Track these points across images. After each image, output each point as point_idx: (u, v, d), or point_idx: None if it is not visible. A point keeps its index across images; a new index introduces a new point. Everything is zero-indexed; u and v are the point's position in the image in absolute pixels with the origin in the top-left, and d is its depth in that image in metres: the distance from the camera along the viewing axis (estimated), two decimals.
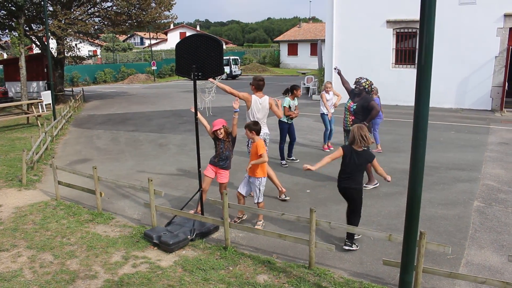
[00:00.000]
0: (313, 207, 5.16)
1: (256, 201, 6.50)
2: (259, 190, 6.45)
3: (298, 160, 10.40)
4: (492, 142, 11.95)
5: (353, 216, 5.70)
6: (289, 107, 9.95)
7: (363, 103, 8.08)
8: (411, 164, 3.93)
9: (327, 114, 11.45)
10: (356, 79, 8.32)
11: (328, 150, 11.28)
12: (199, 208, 6.82)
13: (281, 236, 5.56)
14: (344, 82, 8.97)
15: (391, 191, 8.07)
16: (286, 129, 10.03)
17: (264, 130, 7.61)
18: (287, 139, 10.29)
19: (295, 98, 10.17)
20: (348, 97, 8.51)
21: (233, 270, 5.29)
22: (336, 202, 7.50)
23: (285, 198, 7.74)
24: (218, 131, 6.73)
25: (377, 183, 8.28)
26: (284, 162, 10.09)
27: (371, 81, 8.22)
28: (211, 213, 7.03)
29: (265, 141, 7.53)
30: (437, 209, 7.13)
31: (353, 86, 8.38)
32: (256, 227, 6.36)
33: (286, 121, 9.93)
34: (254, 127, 6.48)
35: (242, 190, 6.60)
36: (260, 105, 7.72)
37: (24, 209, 7.67)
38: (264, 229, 5.89)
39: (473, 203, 7.35)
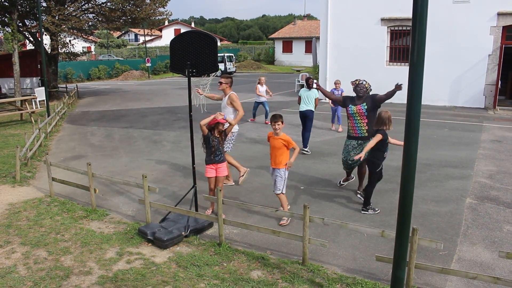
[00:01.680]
0: (307, 203, 5.20)
1: (278, 192, 6.57)
2: (285, 180, 6.59)
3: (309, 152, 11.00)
4: (485, 140, 12.04)
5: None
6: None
7: (373, 101, 7.56)
8: (403, 161, 3.96)
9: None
10: (356, 82, 7.67)
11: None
12: (213, 207, 6.96)
13: (275, 232, 5.60)
14: (328, 95, 8.36)
15: (385, 188, 8.12)
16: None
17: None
18: None
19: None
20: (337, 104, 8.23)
21: (227, 266, 5.32)
22: (330, 199, 7.55)
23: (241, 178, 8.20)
24: (220, 125, 6.72)
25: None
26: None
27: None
28: (205, 210, 7.05)
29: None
30: (430, 206, 7.19)
31: (339, 91, 8.41)
32: (281, 222, 6.52)
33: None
34: (282, 119, 6.54)
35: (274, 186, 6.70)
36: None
37: (18, 205, 7.66)
38: (257, 226, 5.91)
39: (466, 200, 7.41)
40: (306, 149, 10.93)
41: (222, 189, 6.55)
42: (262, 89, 15.37)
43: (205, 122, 6.67)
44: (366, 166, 7.28)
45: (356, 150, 7.48)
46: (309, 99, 10.87)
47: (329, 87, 21.09)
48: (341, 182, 8.34)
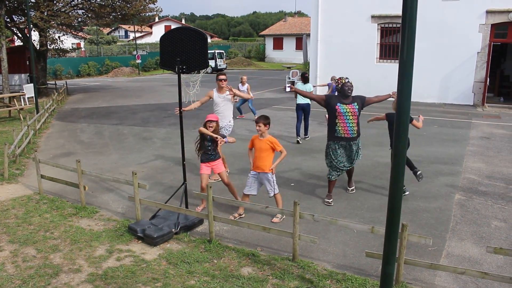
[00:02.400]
0: (297, 200, 5.21)
1: (273, 194, 6.50)
2: (274, 181, 6.50)
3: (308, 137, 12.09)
4: (473, 137, 12.14)
5: None
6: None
7: (362, 102, 7.26)
8: (393, 158, 3.99)
9: None
10: (341, 81, 7.16)
11: None
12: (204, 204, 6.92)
13: (265, 229, 5.60)
14: (307, 95, 8.05)
15: (375, 184, 8.17)
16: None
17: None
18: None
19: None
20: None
21: (217, 263, 5.32)
22: (320, 196, 7.57)
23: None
24: (208, 124, 6.64)
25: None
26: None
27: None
28: (195, 207, 7.03)
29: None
30: (419, 202, 7.23)
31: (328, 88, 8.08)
32: (274, 220, 6.50)
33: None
34: (267, 121, 6.42)
35: (253, 191, 6.56)
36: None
37: (6, 203, 7.59)
38: (248, 222, 5.91)
39: (455, 196, 7.48)
40: (307, 136, 12.20)
41: (230, 184, 6.83)
42: (242, 88, 14.55)
43: (205, 131, 6.70)
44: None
45: (347, 151, 7.09)
46: None
47: (319, 84, 21.15)
48: (329, 201, 7.33)
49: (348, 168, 7.30)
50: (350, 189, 7.80)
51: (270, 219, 6.56)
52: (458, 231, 6.12)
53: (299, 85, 12.21)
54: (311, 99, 7.98)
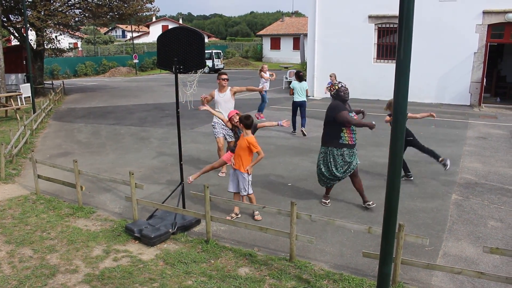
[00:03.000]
0: (294, 200, 5.21)
1: (246, 193, 6.50)
2: (248, 181, 6.49)
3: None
4: (470, 137, 12.17)
5: None
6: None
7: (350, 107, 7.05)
8: (390, 158, 3.99)
9: None
10: (335, 87, 6.90)
11: None
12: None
13: (262, 229, 5.60)
14: (355, 122, 6.91)
15: (372, 184, 8.17)
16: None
17: None
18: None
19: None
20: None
21: (214, 263, 5.32)
22: (317, 196, 7.57)
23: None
24: (233, 118, 6.78)
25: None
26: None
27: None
28: (193, 207, 7.03)
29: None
30: (416, 202, 7.25)
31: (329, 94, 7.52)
32: (256, 217, 6.58)
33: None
34: (246, 121, 6.40)
35: (233, 188, 6.63)
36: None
37: (2, 203, 7.57)
38: (245, 222, 5.91)
39: (451, 196, 7.49)
40: (303, 127, 12.62)
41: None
42: (266, 75, 15.20)
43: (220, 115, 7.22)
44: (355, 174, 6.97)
45: (350, 158, 6.85)
46: (302, 91, 12.54)
47: (316, 84, 21.17)
48: (326, 202, 7.30)
49: (343, 177, 7.00)
50: (366, 204, 7.07)
51: (253, 217, 6.66)
52: (454, 231, 6.14)
53: (295, 84, 12.65)
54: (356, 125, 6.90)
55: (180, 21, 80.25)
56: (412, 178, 8.39)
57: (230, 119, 6.88)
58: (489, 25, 17.69)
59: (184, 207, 6.66)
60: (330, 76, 14.41)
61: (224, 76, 8.79)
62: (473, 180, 8.37)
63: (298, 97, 12.55)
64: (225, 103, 8.70)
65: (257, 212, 6.66)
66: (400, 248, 4.58)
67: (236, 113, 6.83)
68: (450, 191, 7.75)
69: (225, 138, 8.88)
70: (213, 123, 8.99)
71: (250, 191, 6.53)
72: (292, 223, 5.17)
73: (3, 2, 22.38)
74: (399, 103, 3.89)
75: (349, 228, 5.64)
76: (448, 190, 7.80)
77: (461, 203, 7.20)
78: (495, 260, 5.33)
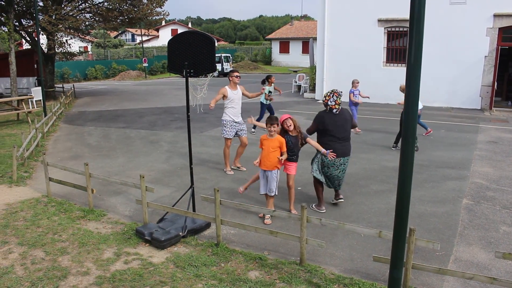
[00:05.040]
0: (304, 204, 5.21)
1: (274, 194, 6.63)
2: (276, 182, 6.61)
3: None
4: (481, 141, 12.09)
5: None
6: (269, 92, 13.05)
7: None
8: (400, 162, 3.98)
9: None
10: (336, 93, 6.88)
11: None
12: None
13: (273, 233, 5.60)
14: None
15: (381, 188, 8.15)
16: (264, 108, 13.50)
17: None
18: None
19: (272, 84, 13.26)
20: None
21: (224, 266, 5.33)
22: (327, 200, 7.56)
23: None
24: (286, 122, 6.70)
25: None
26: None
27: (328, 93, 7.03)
28: (203, 210, 7.05)
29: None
30: (427, 206, 7.21)
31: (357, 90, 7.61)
32: (266, 221, 6.60)
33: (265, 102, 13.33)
34: (278, 121, 6.54)
35: (264, 189, 6.72)
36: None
37: (15, 205, 7.64)
38: (255, 226, 5.91)
39: (462, 201, 7.45)
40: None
41: (292, 187, 6.95)
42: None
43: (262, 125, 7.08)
44: None
45: (344, 166, 6.97)
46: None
47: (326, 88, 21.14)
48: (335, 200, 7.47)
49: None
50: (336, 200, 7.36)
51: (263, 221, 6.68)
52: (466, 236, 6.10)
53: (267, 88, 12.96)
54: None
55: (189, 25, 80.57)
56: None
57: (283, 123, 6.71)
58: (500, 29, 17.58)
59: (194, 210, 6.69)
60: (354, 82, 13.55)
61: (236, 74, 9.14)
62: (484, 184, 8.31)
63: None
64: (239, 100, 9.19)
65: (268, 216, 6.67)
66: (411, 252, 4.56)
67: (289, 118, 6.72)
68: (461, 196, 7.70)
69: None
70: (224, 122, 9.15)
71: (276, 192, 6.66)
72: (303, 227, 5.17)
73: (15, 6, 22.63)
74: (409, 108, 3.89)
75: (359, 232, 5.62)
76: (458, 195, 7.75)
77: (472, 207, 7.15)
78: (507, 265, 5.29)
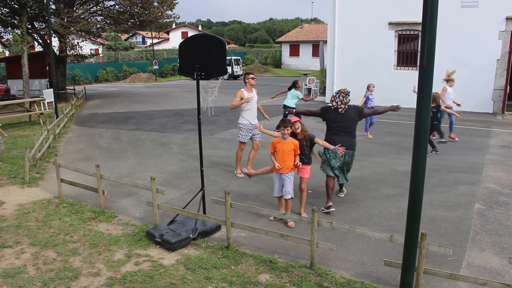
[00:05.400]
0: (315, 207, 5.20)
1: (291, 197, 6.64)
2: (292, 184, 6.63)
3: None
4: (493, 145, 11.98)
5: None
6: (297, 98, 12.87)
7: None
8: (412, 166, 3.96)
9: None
10: (343, 94, 7.20)
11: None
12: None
13: (283, 236, 5.60)
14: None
15: (392, 192, 8.11)
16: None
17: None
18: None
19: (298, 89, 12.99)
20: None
21: (235, 269, 5.33)
22: (337, 203, 7.54)
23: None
24: (295, 124, 6.72)
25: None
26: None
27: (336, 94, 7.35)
28: (213, 212, 7.06)
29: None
30: (438, 211, 7.16)
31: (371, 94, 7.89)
32: (289, 224, 6.60)
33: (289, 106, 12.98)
34: (291, 124, 6.55)
35: (278, 192, 6.72)
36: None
37: (27, 206, 7.71)
38: (265, 229, 5.91)
39: (474, 206, 7.38)
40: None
41: (304, 190, 6.99)
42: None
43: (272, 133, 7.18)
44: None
45: (344, 158, 7.18)
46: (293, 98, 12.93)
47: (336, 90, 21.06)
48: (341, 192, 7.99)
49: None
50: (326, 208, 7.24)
51: (287, 224, 6.64)
52: (478, 241, 6.04)
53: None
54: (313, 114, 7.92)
55: (200, 28, 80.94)
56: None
57: (295, 126, 6.74)
58: None
59: (204, 212, 6.70)
60: (370, 87, 13.34)
61: (252, 76, 9.13)
62: (497, 189, 8.23)
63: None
64: (255, 102, 9.14)
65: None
66: (422, 257, 4.53)
67: (298, 121, 6.77)
68: (473, 200, 7.63)
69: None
70: (241, 125, 9.12)
71: (292, 195, 6.67)
72: (313, 230, 5.16)
73: (28, 9, 22.88)
74: (421, 112, 3.87)
75: (370, 236, 5.60)
76: (470, 199, 7.69)
77: (484, 212, 7.08)
78: None
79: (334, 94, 7.24)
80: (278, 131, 6.89)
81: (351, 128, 7.14)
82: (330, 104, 7.26)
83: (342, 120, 7.11)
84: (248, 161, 9.32)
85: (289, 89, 13.00)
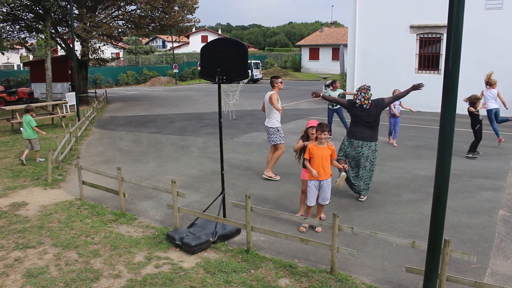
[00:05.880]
0: (336, 212, 5.15)
1: (328, 202, 6.62)
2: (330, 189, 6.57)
3: None
4: None
5: None
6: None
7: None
8: (436, 171, 3.90)
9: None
10: (364, 91, 7.60)
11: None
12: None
13: (303, 241, 5.56)
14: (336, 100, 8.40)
15: (414, 198, 8.00)
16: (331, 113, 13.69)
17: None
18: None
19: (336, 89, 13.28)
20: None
21: (254, 273, 5.31)
22: (358, 208, 7.47)
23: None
24: (310, 131, 6.74)
25: None
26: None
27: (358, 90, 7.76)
28: (233, 216, 7.06)
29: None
30: (461, 217, 7.03)
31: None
32: (317, 229, 6.54)
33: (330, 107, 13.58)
34: (328, 129, 6.46)
35: (314, 201, 6.58)
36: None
37: (49, 207, 7.83)
38: (285, 233, 5.87)
39: (498, 212, 7.23)
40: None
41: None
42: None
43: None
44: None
45: (362, 149, 7.66)
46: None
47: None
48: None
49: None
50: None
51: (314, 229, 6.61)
52: (503, 249, 5.91)
53: (330, 91, 13.25)
54: (337, 102, 8.42)
55: (219, 32, 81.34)
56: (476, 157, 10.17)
57: (308, 129, 6.78)
58: None
59: (224, 216, 6.70)
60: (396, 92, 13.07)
61: (281, 80, 9.21)
62: None
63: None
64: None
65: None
66: (445, 264, 4.44)
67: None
68: (497, 207, 7.48)
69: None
70: (278, 129, 9.19)
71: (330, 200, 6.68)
72: (334, 235, 5.11)
73: (52, 15, 23.31)
74: (447, 116, 3.81)
75: (391, 241, 5.53)
76: (494, 206, 7.53)
77: (509, 219, 6.93)
78: None
79: (356, 92, 7.65)
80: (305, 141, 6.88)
81: (372, 122, 7.57)
82: (354, 99, 7.62)
83: (365, 115, 7.55)
84: (272, 162, 9.31)
85: (327, 86, 13.52)
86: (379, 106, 7.60)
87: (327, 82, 13.25)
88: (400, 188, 8.56)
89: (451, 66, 3.71)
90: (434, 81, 18.40)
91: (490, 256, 5.69)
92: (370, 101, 7.52)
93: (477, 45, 17.64)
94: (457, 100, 3.84)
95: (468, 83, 17.64)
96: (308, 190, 6.55)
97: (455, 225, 6.71)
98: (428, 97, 18.58)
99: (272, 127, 9.12)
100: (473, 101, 10.87)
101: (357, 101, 7.52)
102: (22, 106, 15.20)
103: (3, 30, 23.49)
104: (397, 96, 8.35)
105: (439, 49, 19.42)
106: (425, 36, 19.67)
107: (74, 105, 19.78)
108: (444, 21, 3.74)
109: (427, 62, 19.89)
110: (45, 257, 5.82)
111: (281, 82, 9.12)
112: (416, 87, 7.64)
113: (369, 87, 7.64)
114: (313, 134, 6.67)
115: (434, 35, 19.37)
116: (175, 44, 62.00)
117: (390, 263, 5.57)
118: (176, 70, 44.38)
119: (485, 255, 5.71)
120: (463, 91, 16.90)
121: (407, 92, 7.93)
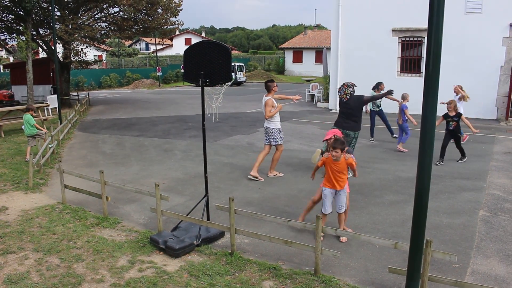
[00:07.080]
0: (319, 214, 5.18)
1: (344, 210, 6.33)
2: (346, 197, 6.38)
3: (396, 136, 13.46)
4: (497, 152, 11.95)
5: None
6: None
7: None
8: (418, 173, 3.95)
9: None
10: (346, 86, 9.26)
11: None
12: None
13: (287, 243, 5.58)
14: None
15: (396, 199, 8.08)
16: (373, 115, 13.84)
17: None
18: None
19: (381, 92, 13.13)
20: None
21: (238, 276, 5.31)
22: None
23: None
24: (328, 141, 6.65)
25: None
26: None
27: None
28: (217, 219, 7.05)
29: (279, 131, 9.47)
30: (442, 218, 7.13)
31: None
32: (341, 239, 6.29)
33: (372, 109, 13.82)
34: (344, 146, 6.18)
35: (330, 209, 6.33)
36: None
37: (30, 212, 7.72)
38: (269, 235, 5.88)
39: (479, 213, 7.34)
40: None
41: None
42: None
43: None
44: None
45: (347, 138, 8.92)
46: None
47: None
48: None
49: None
50: None
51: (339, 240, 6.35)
52: (483, 248, 6.01)
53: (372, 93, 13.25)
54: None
55: (203, 34, 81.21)
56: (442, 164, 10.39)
57: (329, 140, 6.66)
58: None
59: (208, 219, 6.68)
60: (406, 97, 12.87)
61: (276, 83, 9.55)
62: (501, 196, 8.20)
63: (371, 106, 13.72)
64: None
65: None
66: (427, 264, 4.50)
67: (334, 135, 6.65)
68: (477, 207, 7.60)
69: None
70: (278, 130, 9.42)
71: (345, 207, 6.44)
72: (317, 237, 5.14)
73: (34, 16, 23.01)
74: (427, 118, 3.86)
75: (374, 243, 5.58)
76: (475, 206, 7.65)
77: (489, 219, 7.05)
78: None
79: (339, 86, 9.22)
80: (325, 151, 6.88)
81: (352, 114, 9.00)
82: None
83: (346, 108, 9.07)
84: (274, 162, 9.59)
85: (373, 88, 13.57)
86: (358, 101, 8.99)
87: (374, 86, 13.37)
88: (383, 189, 8.65)
89: (432, 69, 3.77)
90: (415, 83, 18.61)
91: (470, 256, 5.78)
92: (348, 96, 9.03)
93: (457, 48, 17.91)
94: (437, 103, 3.89)
95: (449, 86, 17.93)
96: (323, 197, 6.34)
97: (436, 225, 6.80)
98: (410, 100, 18.81)
99: (274, 128, 9.36)
100: (453, 108, 11.07)
101: (338, 94, 9.09)
102: (2, 109, 14.97)
103: None
104: (374, 97, 10.25)
105: (420, 52, 19.67)
106: (407, 39, 19.91)
107: (56, 108, 19.53)
108: (425, 25, 3.80)
109: (409, 65, 20.13)
110: (26, 263, 5.74)
111: (276, 86, 9.45)
112: (390, 93, 9.51)
113: (353, 84, 9.17)
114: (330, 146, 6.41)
115: (415, 39, 19.62)
116: (159, 47, 61.69)
117: (373, 264, 5.62)
118: (159, 73, 44.13)
119: (465, 255, 5.79)
120: (443, 94, 17.16)
121: (381, 96, 9.83)
